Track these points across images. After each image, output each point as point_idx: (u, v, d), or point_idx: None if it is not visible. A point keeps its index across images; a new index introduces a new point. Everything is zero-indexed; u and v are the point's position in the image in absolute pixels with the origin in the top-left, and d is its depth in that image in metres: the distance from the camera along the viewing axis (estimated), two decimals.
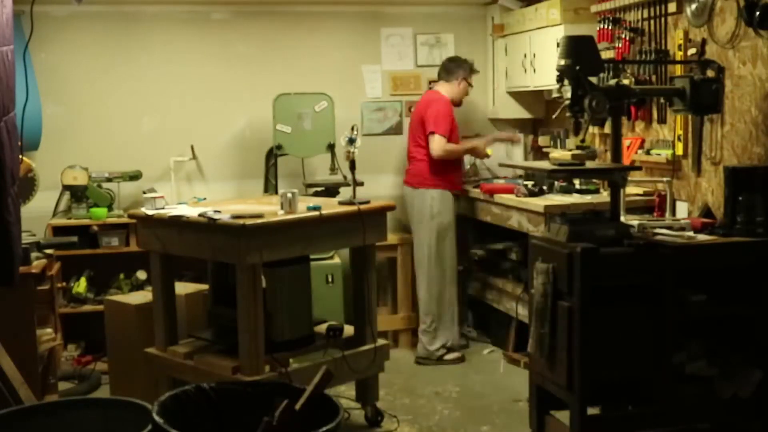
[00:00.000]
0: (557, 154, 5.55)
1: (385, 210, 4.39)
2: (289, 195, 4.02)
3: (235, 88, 5.93)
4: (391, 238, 5.79)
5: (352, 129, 4.37)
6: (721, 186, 4.15)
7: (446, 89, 5.62)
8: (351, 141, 4.34)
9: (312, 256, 5.48)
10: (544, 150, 6.01)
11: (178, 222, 3.98)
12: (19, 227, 3.21)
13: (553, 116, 4.42)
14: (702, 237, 3.79)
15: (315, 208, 4.06)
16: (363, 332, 4.36)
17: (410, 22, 6.21)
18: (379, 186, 5.96)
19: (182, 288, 4.55)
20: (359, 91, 6.03)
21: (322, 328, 4.35)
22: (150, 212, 4.09)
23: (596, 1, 5.18)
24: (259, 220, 3.79)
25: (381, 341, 4.46)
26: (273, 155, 5.65)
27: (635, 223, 3.92)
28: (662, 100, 4.69)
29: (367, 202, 4.31)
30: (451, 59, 5.71)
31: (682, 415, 3.71)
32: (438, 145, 5.42)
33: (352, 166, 4.37)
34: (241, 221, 3.75)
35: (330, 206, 4.24)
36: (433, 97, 5.62)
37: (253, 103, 5.86)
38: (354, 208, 4.18)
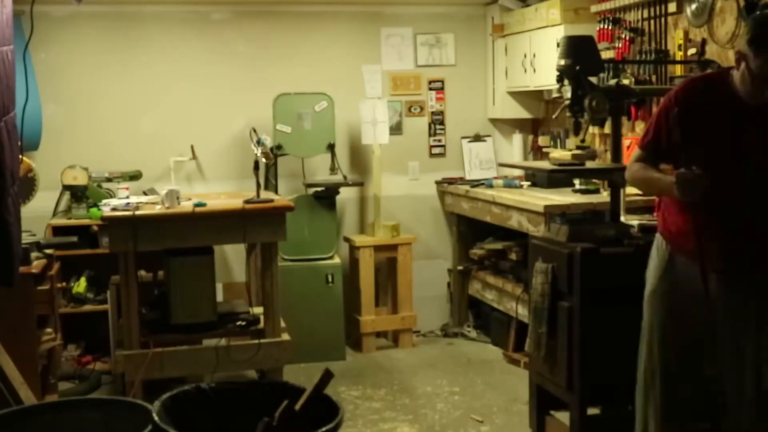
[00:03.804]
0: (557, 154, 5.55)
1: (282, 210, 4.46)
2: (165, 192, 4.39)
3: (235, 88, 5.93)
4: (391, 238, 5.80)
5: (254, 131, 4.61)
6: None
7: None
8: (259, 142, 4.55)
9: (312, 256, 5.54)
10: (544, 150, 6.02)
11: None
12: (19, 227, 3.22)
13: (553, 116, 4.42)
14: None
15: (199, 205, 4.38)
16: (267, 326, 4.52)
17: (410, 22, 6.21)
18: (381, 185, 5.94)
19: None
20: (359, 91, 6.02)
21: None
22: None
23: (596, 1, 5.18)
24: (126, 213, 4.23)
25: (283, 337, 4.55)
26: (273, 155, 5.65)
27: (635, 223, 3.92)
28: None
29: (270, 201, 4.47)
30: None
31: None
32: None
33: (256, 167, 4.57)
34: (113, 213, 4.22)
35: (234, 204, 4.45)
36: None
37: (253, 103, 5.85)
38: (239, 206, 4.37)
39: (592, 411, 3.68)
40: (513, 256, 5.47)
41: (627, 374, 3.66)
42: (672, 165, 3.07)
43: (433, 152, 6.31)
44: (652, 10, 4.77)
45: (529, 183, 5.59)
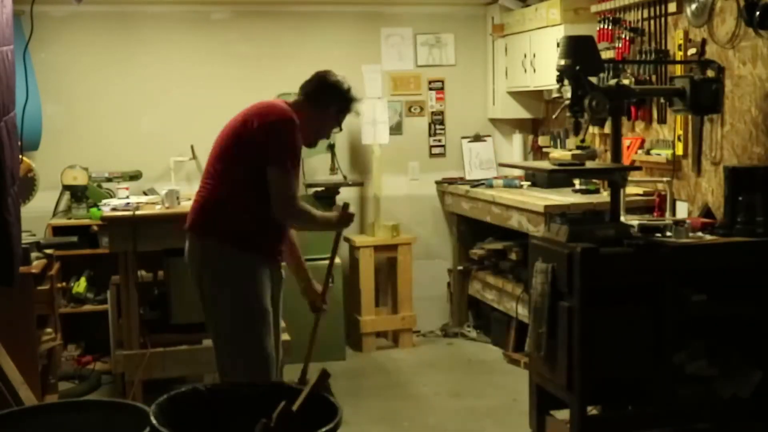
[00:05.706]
0: (557, 154, 5.55)
1: None
2: (165, 192, 4.46)
3: (235, 88, 5.92)
4: (391, 238, 5.80)
5: None
6: (721, 186, 4.14)
7: (305, 111, 3.69)
8: None
9: (312, 256, 5.52)
10: (544, 150, 6.01)
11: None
12: (19, 227, 3.22)
13: (553, 116, 4.41)
14: (702, 236, 3.79)
15: None
16: None
17: (410, 22, 6.21)
18: (381, 185, 5.94)
19: None
20: (359, 91, 6.00)
21: None
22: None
23: (596, 1, 5.18)
24: (126, 213, 4.27)
25: (283, 337, 4.42)
26: None
27: (635, 223, 3.92)
28: (662, 100, 4.69)
29: None
30: (329, 78, 3.77)
31: (682, 415, 3.71)
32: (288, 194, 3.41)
33: None
34: (113, 214, 4.27)
35: None
36: (273, 104, 3.74)
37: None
38: None
39: (592, 411, 3.68)
40: (513, 256, 5.47)
41: (627, 374, 3.67)
42: None
43: (433, 152, 6.31)
44: (652, 10, 4.76)
45: (529, 183, 5.59)
